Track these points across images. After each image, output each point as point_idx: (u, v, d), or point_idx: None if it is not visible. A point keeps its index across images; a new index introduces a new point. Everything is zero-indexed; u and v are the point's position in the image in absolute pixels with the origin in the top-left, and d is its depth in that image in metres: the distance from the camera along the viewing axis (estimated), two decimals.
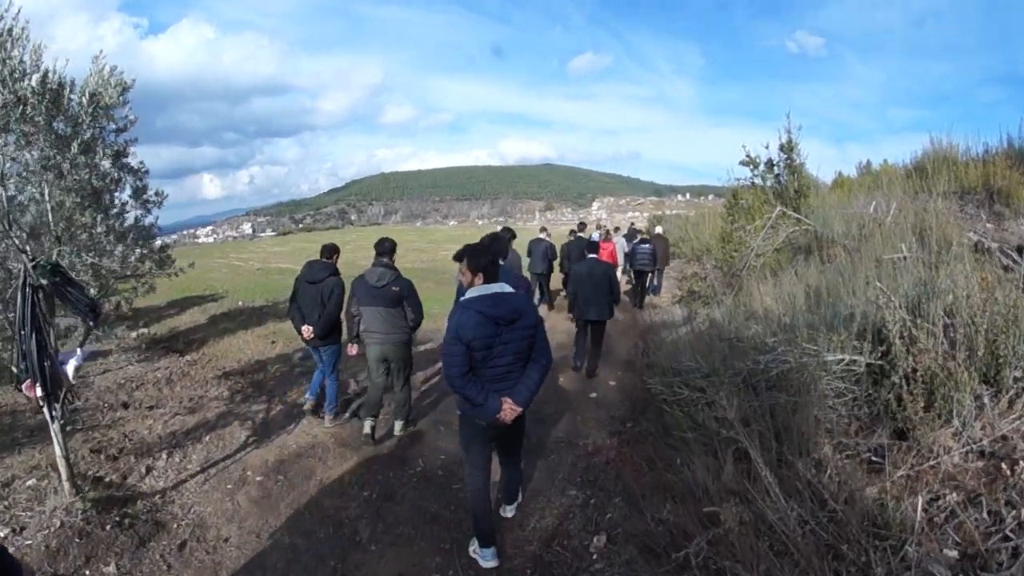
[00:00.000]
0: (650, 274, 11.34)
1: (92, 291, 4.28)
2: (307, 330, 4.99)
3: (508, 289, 2.97)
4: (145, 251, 5.12)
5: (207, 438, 5.16)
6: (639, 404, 5.55)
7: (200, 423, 5.54)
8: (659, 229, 14.59)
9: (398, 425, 5.01)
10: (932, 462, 2.95)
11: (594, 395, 5.96)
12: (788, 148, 8.83)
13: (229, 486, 4.32)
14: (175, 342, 10.79)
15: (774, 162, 9.07)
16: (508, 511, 3.68)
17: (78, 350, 3.78)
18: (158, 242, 5.72)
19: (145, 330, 12.27)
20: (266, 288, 18.79)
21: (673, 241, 17.52)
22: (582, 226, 11.82)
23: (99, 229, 4.02)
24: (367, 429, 4.80)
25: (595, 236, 13.23)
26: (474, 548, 3.27)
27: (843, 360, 3.13)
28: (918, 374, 3.02)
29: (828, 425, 3.10)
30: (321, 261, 5.17)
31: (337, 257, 5.31)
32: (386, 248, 4.75)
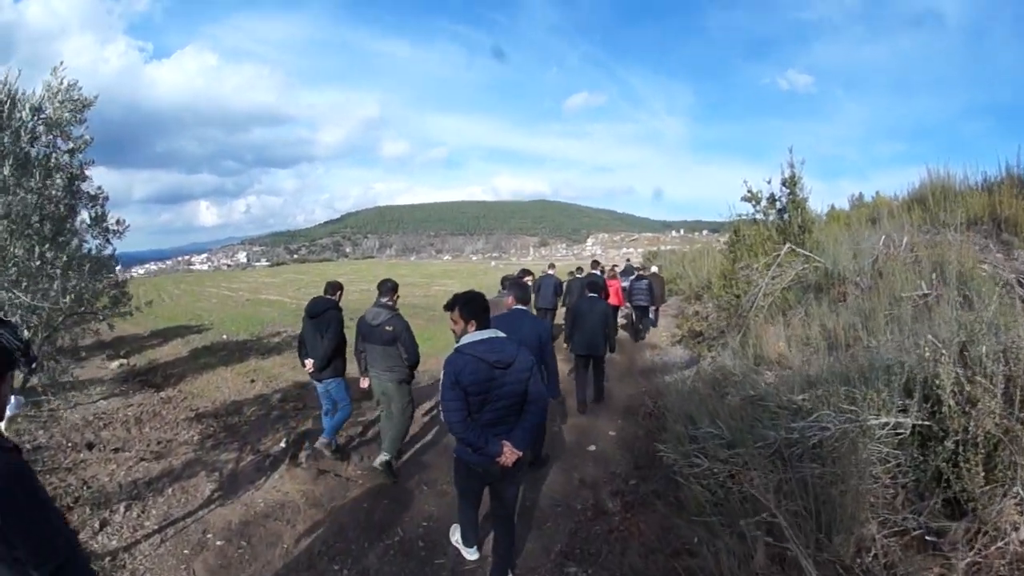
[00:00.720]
0: (648, 310, 11.55)
1: (26, 332, 3.81)
2: (309, 363, 5.10)
3: (501, 334, 3.00)
4: (101, 284, 4.64)
5: (170, 490, 4.68)
6: (642, 458, 5.06)
7: (165, 471, 5.07)
8: (654, 268, 14.39)
9: (380, 459, 4.81)
10: (1000, 544, 2.49)
11: (592, 448, 5.45)
12: (791, 183, 8.54)
13: (186, 551, 3.81)
14: (153, 375, 10.35)
15: (776, 197, 8.80)
16: None
17: (12, 398, 3.31)
18: (121, 275, 5.26)
19: (125, 361, 11.79)
20: (252, 321, 18.31)
21: (669, 278, 17.19)
22: (595, 264, 11.90)
23: (35, 262, 3.53)
24: (376, 464, 4.83)
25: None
26: (456, 537, 3.51)
27: (888, 424, 2.69)
28: (976, 437, 2.59)
29: (872, 498, 2.64)
30: (324, 297, 5.28)
31: (341, 294, 5.42)
32: (387, 288, 4.89)
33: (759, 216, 8.99)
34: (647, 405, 6.04)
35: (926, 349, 2.82)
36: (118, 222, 4.87)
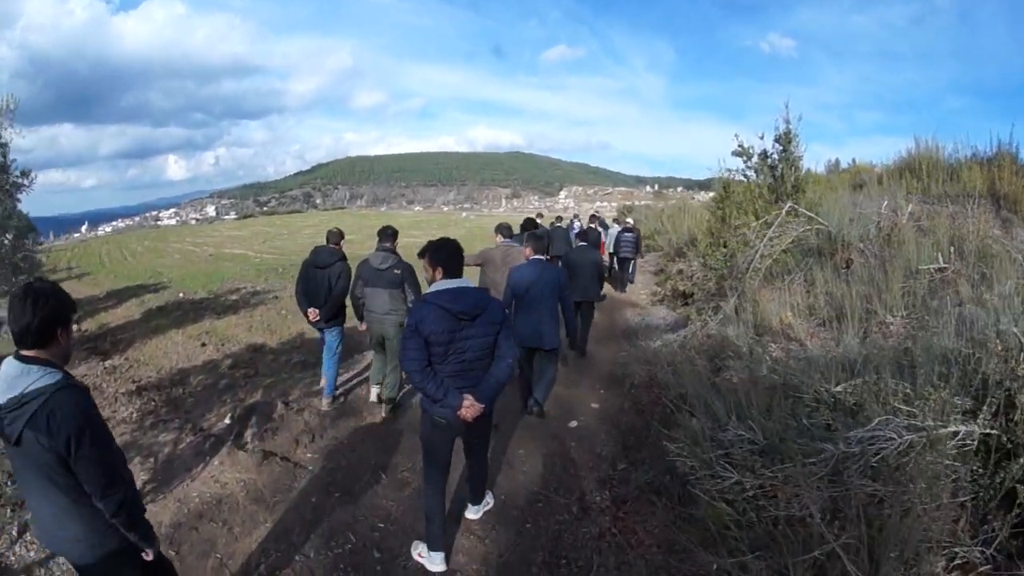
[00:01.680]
0: (632, 262, 11.78)
1: None
2: (313, 312, 5.10)
3: (470, 284, 2.90)
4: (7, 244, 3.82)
5: None
6: (630, 437, 4.56)
7: None
8: (630, 220, 13.79)
9: (386, 393, 5.07)
10: None
11: (574, 424, 4.91)
12: (786, 139, 7.93)
13: None
14: (102, 342, 9.52)
15: (768, 153, 8.19)
16: (474, 512, 3.48)
17: None
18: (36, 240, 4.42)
19: (75, 326, 10.86)
20: (213, 277, 17.31)
21: (647, 234, 16.63)
22: (593, 218, 12.70)
23: None
24: (373, 397, 5.27)
25: (575, 226, 12.78)
26: (420, 551, 3.12)
27: (957, 434, 2.15)
28: None
29: (934, 523, 2.13)
30: (328, 247, 5.26)
31: (343, 242, 5.39)
32: (388, 234, 5.02)
33: (750, 173, 8.41)
34: (635, 375, 5.48)
35: (998, 343, 2.26)
36: (23, 174, 3.98)
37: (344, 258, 5.23)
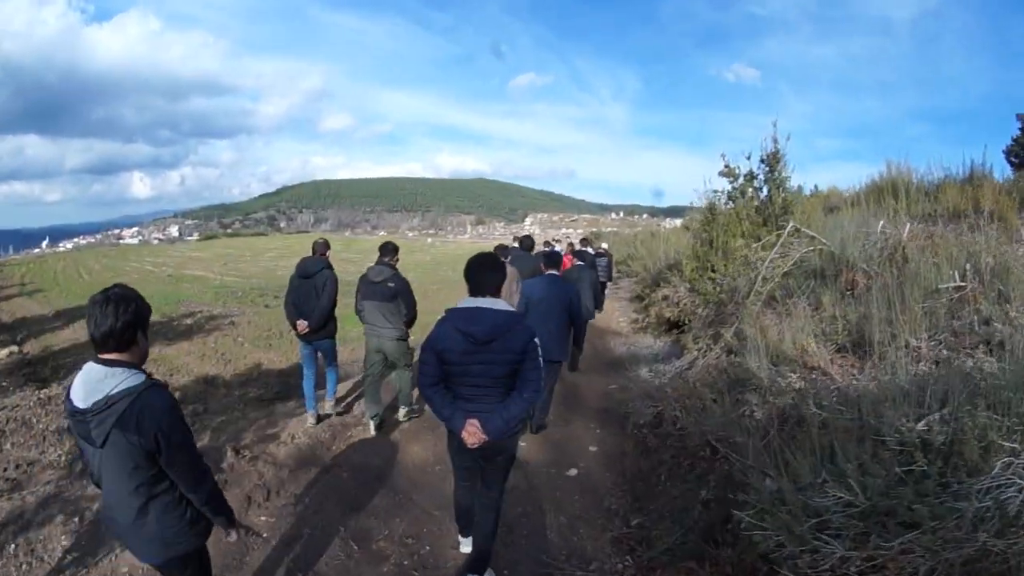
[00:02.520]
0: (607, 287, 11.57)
1: None
2: (302, 324, 4.96)
3: (496, 305, 2.64)
4: None
5: (12, 547, 3.23)
6: (638, 484, 3.97)
7: (14, 514, 3.60)
8: (604, 245, 13.53)
9: (402, 411, 5.20)
10: None
11: (574, 472, 4.29)
12: (773, 160, 7.63)
13: None
14: (42, 367, 8.53)
15: (754, 175, 7.88)
16: None
17: None
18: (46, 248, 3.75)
19: (16, 348, 9.79)
20: (169, 299, 16.16)
21: (620, 259, 16.31)
22: (585, 241, 12.10)
23: None
24: (372, 431, 4.97)
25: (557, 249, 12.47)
26: (456, 517, 3.17)
27: None
28: None
29: None
30: (314, 257, 5.17)
31: (329, 252, 5.32)
32: (388, 250, 5.04)
33: (735, 196, 8.08)
34: (636, 412, 4.91)
35: None
36: None
37: (330, 267, 5.12)
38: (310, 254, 5.22)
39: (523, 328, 2.63)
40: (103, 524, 3.08)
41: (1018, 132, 10.38)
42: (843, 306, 5.05)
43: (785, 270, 5.31)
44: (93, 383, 1.75)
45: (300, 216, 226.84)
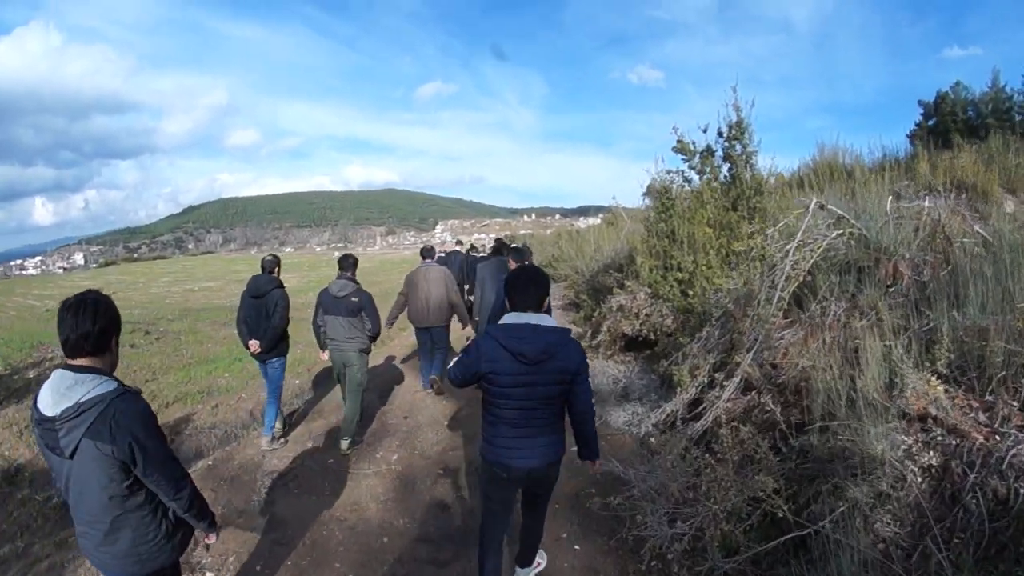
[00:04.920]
0: None
1: None
2: (254, 344, 4.71)
3: (544, 322, 2.37)
4: None
5: None
6: None
7: None
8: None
9: (344, 443, 4.71)
10: None
11: None
12: (737, 131, 6.09)
13: None
14: None
15: (713, 150, 6.33)
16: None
17: None
18: None
19: None
20: (26, 341, 12.55)
21: (544, 262, 14.63)
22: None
23: None
24: (344, 446, 4.66)
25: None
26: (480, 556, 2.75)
27: None
28: None
29: None
30: (265, 275, 4.85)
31: (279, 270, 4.96)
32: (349, 264, 4.90)
33: (692, 175, 6.51)
34: (652, 526, 2.98)
35: None
36: None
37: (281, 285, 4.86)
38: (210, 279, 4.55)
39: (575, 345, 2.41)
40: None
41: (920, 117, 10.23)
42: (902, 311, 3.46)
43: (812, 262, 3.68)
44: (63, 390, 1.66)
45: (209, 236, 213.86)
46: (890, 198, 4.63)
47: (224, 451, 4.73)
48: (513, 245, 6.24)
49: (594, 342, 6.65)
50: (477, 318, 5.84)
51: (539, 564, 2.95)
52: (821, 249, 3.75)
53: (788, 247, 3.76)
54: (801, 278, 3.76)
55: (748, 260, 4.09)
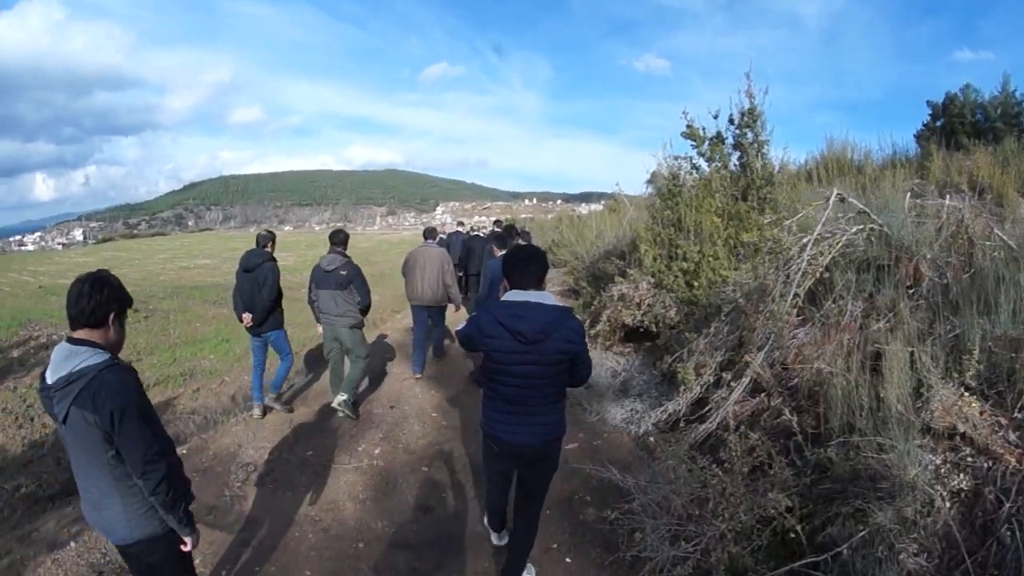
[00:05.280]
0: None
1: None
2: (246, 317, 4.78)
3: (544, 300, 2.34)
4: None
5: None
6: None
7: None
8: (527, 230, 11.58)
9: (338, 399, 4.76)
10: None
11: None
12: (750, 118, 5.80)
13: None
14: None
15: (723, 137, 6.05)
16: None
17: None
18: None
19: None
20: (15, 318, 12.29)
21: (545, 245, 14.35)
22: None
23: None
24: (335, 403, 4.77)
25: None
26: (487, 520, 3.00)
27: None
28: None
29: None
30: (257, 250, 4.90)
31: (273, 245, 5.04)
32: (339, 239, 4.92)
33: (700, 163, 6.22)
34: (655, 546, 2.73)
35: None
36: None
37: (272, 259, 4.88)
38: (207, 256, 4.59)
39: (575, 324, 2.36)
40: None
41: (928, 118, 10.04)
42: (924, 314, 3.22)
43: (831, 258, 3.43)
44: (60, 360, 1.72)
45: (209, 213, 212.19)
46: (907, 195, 4.37)
47: (200, 439, 4.50)
48: (497, 231, 6.23)
49: (593, 331, 6.42)
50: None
51: None
52: (840, 244, 3.49)
53: (806, 241, 3.50)
54: (818, 274, 3.51)
55: (761, 253, 3.84)
